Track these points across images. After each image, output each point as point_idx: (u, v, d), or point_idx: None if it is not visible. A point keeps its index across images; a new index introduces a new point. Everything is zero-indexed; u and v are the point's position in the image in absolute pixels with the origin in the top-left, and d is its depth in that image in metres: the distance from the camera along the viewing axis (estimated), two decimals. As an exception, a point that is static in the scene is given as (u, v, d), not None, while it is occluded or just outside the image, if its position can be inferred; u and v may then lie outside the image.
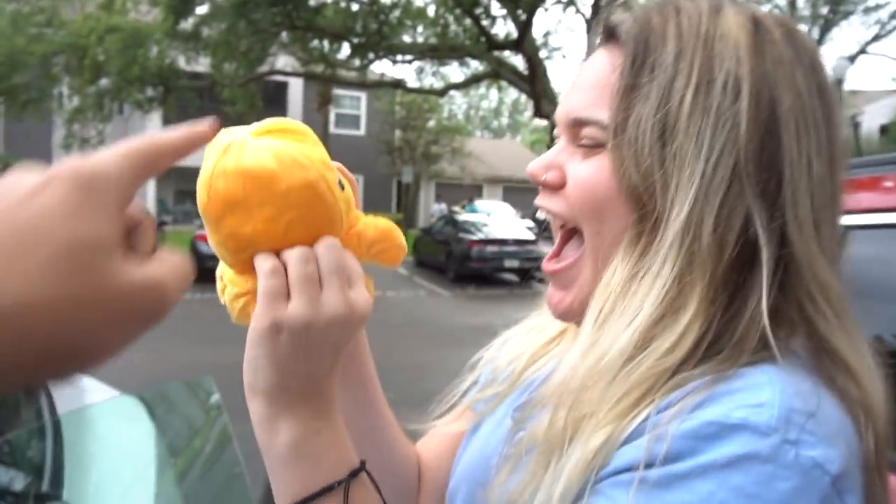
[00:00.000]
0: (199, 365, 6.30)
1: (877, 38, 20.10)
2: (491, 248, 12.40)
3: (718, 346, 0.46)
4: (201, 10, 13.26)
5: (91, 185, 0.31)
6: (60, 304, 0.28)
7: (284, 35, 14.28)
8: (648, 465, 0.41)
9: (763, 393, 0.41)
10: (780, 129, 0.47)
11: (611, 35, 0.55)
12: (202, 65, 14.34)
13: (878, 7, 19.71)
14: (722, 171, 0.47)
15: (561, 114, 0.57)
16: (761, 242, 0.46)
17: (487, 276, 12.58)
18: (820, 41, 19.64)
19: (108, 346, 0.32)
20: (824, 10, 19.32)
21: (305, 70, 16.46)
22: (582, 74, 0.57)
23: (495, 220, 14.95)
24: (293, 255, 0.47)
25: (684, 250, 0.46)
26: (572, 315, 0.57)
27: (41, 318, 0.28)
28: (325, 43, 15.07)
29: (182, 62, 14.03)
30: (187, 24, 13.15)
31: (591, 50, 0.59)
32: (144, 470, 1.28)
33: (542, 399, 0.50)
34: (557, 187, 0.56)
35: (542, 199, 0.58)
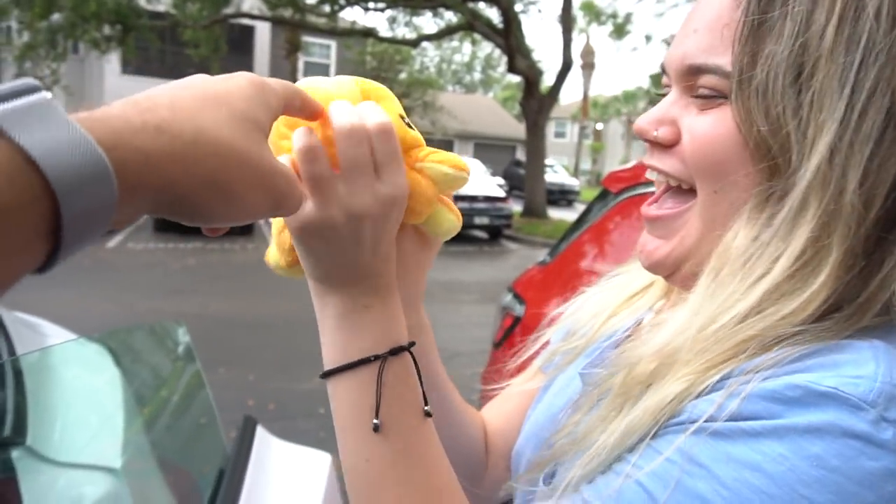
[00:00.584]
0: (164, 315, 6.19)
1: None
2: (461, 205, 12.13)
3: (837, 310, 0.41)
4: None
5: (262, 88, 0.41)
6: (225, 148, 0.36)
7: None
8: (714, 420, 0.38)
9: (866, 366, 0.37)
10: None
11: None
12: (164, 4, 13.65)
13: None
14: (872, 116, 0.40)
15: (673, 60, 0.50)
16: None
17: (467, 234, 12.57)
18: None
19: (237, 207, 0.38)
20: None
21: (273, 14, 15.82)
22: (697, 12, 0.49)
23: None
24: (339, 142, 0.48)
25: (821, 210, 0.41)
26: (665, 267, 0.54)
27: (207, 154, 0.35)
28: (294, -14, 14.48)
29: (142, 0, 13.32)
30: (147, -41, 12.45)
31: None
32: (111, 416, 1.23)
33: (618, 359, 0.48)
34: (671, 144, 0.51)
35: (651, 159, 0.53)
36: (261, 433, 1.24)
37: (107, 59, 15.76)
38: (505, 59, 14.15)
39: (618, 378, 0.46)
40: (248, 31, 22.62)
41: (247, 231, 12.25)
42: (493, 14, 14.29)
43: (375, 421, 0.47)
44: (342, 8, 14.53)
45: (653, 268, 0.55)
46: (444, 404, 0.65)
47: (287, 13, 15.51)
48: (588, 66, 32.73)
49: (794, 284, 0.41)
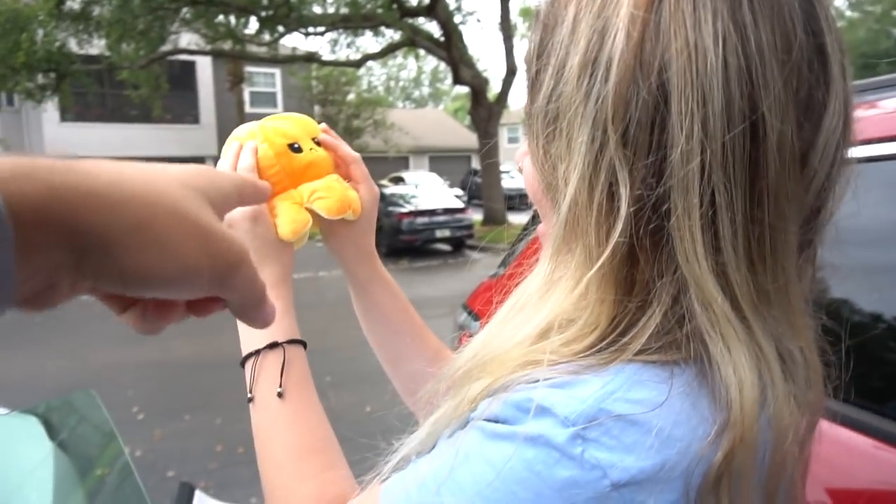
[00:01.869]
0: (123, 367, 5.98)
1: None
2: (421, 220, 12.32)
3: (625, 339, 0.43)
4: (89, -13, 12.29)
5: (210, 170, 0.42)
6: (153, 193, 0.32)
7: (186, 11, 13.46)
8: (478, 418, 0.44)
9: (588, 389, 0.40)
10: (669, 99, 0.39)
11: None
12: (97, 47, 13.35)
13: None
14: (594, 154, 0.42)
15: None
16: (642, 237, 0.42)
17: (420, 248, 12.52)
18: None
19: (172, 257, 0.32)
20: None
21: (212, 48, 15.62)
22: None
23: (423, 190, 14.86)
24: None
25: (577, 252, 0.44)
26: None
27: (132, 195, 0.31)
28: (231, 18, 14.32)
29: (74, 45, 12.98)
30: (75, 4, 12.15)
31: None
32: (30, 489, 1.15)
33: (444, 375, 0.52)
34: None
35: None
36: (199, 500, 1.16)
37: (43, 108, 15.32)
38: (450, 71, 14.25)
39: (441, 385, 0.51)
40: (189, 67, 22.29)
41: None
42: (434, 28, 14.40)
43: (250, 395, 0.68)
44: (282, 35, 14.44)
45: None
46: (398, 338, 0.86)
47: (227, 45, 15.34)
48: (533, 71, 33.07)
49: (574, 315, 0.44)
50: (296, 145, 0.72)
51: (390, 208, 12.65)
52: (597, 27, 0.41)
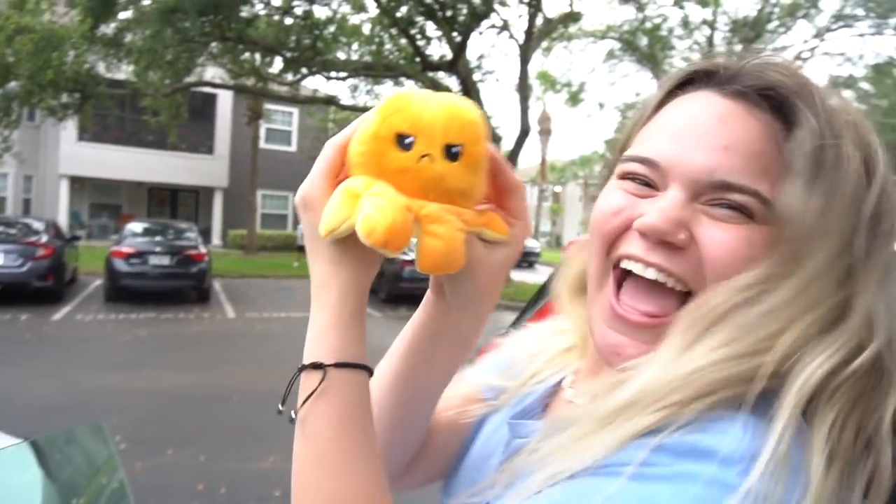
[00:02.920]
0: (110, 392, 5.85)
1: (784, 76, 21.60)
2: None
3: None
4: (124, 14, 12.65)
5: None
6: None
7: (214, 46, 13.82)
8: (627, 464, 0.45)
9: (736, 431, 0.44)
10: None
11: (753, 94, 0.53)
12: (124, 72, 13.66)
13: (784, 48, 21.22)
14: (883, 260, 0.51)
15: (691, 166, 0.52)
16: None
17: (420, 296, 12.38)
18: (734, 77, 20.90)
19: None
20: (738, 48, 20.58)
21: (235, 83, 15.98)
22: (723, 130, 0.52)
23: (428, 239, 14.85)
24: None
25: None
26: (624, 364, 0.54)
27: None
28: (257, 56, 14.69)
29: (102, 68, 13.29)
30: (108, 29, 12.49)
31: (651, 95, 0.60)
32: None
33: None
34: (682, 247, 0.52)
35: (656, 256, 0.53)
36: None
37: (63, 126, 15.56)
38: (465, 125, 14.46)
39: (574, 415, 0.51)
40: (210, 99, 22.77)
41: (203, 299, 11.94)
42: (453, 83, 14.75)
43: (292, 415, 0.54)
44: (304, 77, 14.78)
45: (618, 363, 0.54)
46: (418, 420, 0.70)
47: (249, 82, 15.69)
48: (545, 132, 33.83)
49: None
50: (407, 140, 0.53)
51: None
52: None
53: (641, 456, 0.44)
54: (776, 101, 0.52)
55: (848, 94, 22.78)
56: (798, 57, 21.22)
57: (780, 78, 0.53)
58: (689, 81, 0.58)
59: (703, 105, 0.54)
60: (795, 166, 0.50)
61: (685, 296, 0.53)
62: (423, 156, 0.53)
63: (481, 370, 0.78)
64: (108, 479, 1.28)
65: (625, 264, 0.55)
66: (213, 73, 16.01)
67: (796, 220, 0.49)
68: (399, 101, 0.55)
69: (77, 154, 20.99)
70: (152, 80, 13.48)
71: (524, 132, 14.82)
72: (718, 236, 0.51)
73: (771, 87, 0.52)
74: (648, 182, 0.55)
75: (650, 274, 0.54)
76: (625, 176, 0.57)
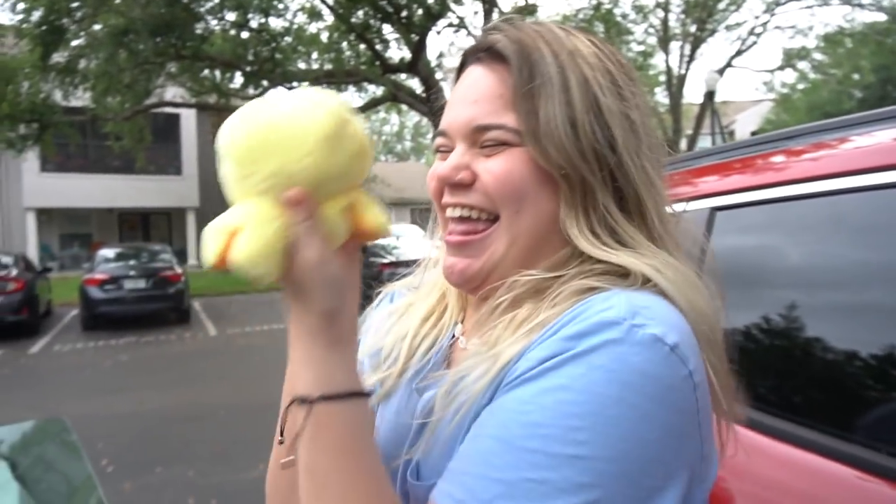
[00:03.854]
0: (95, 419, 5.81)
1: (739, 52, 22.03)
2: (402, 270, 12.29)
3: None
4: (76, 41, 12.47)
5: None
6: None
7: (171, 65, 13.70)
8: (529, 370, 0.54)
9: (611, 301, 0.55)
10: (611, 115, 0.64)
11: (490, 55, 0.66)
12: (81, 98, 13.48)
13: (737, 25, 21.65)
14: (609, 144, 0.63)
15: (459, 123, 0.66)
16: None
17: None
18: (692, 56, 21.27)
19: None
20: (693, 28, 20.95)
21: (197, 101, 15.84)
22: (471, 88, 0.67)
23: (404, 241, 14.92)
24: None
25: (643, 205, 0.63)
26: (474, 281, 0.67)
27: None
28: (217, 72, 14.59)
29: (58, 96, 13.10)
30: (61, 57, 12.31)
31: (457, 70, 0.71)
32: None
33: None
34: (470, 184, 0.66)
35: (455, 197, 0.67)
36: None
37: (24, 157, 15.30)
38: (432, 126, 14.55)
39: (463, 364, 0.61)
40: (174, 119, 22.53)
41: (183, 319, 11.85)
42: (416, 84, 14.80)
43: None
44: (266, 90, 14.68)
45: (465, 283, 0.68)
46: None
47: (211, 99, 15.57)
48: (513, 126, 33.86)
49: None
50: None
51: (371, 259, 12.68)
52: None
53: (542, 353, 0.54)
54: (504, 55, 0.64)
55: (803, 65, 23.24)
56: (751, 32, 21.65)
57: (497, 37, 0.66)
58: (464, 64, 0.70)
59: (467, 76, 0.68)
60: (512, 99, 0.63)
61: (494, 220, 0.66)
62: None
63: None
64: (76, 473, 1.33)
65: (448, 213, 0.69)
66: (173, 92, 15.86)
67: (535, 133, 0.62)
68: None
69: (41, 185, 20.64)
70: (111, 104, 13.33)
71: (490, 127, 14.90)
72: (487, 166, 0.64)
73: (489, 45, 0.66)
74: (448, 149, 0.69)
75: (456, 213, 0.68)
76: (437, 149, 0.71)
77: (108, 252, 12.29)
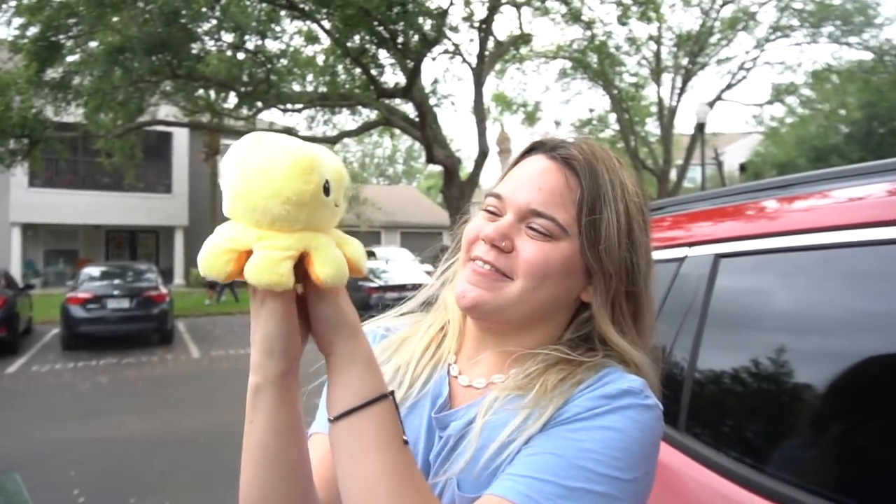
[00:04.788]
0: (71, 443, 5.64)
1: (730, 86, 22.39)
2: (391, 295, 12.26)
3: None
4: (72, 57, 12.44)
5: None
6: None
7: (166, 84, 13.69)
8: (574, 416, 0.72)
9: (629, 377, 0.76)
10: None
11: (562, 160, 0.81)
12: (73, 115, 13.40)
13: (728, 59, 22.04)
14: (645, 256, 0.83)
15: (520, 201, 0.80)
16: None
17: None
18: (683, 89, 21.58)
19: None
20: (684, 62, 21.29)
21: (190, 120, 15.83)
22: (540, 178, 0.80)
23: (393, 265, 14.86)
24: None
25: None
26: (478, 312, 0.80)
27: None
28: (211, 92, 14.60)
29: (50, 112, 13.02)
30: (55, 73, 12.26)
31: (515, 156, 0.87)
32: None
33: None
34: (507, 252, 0.79)
35: (489, 255, 0.80)
36: None
37: (12, 172, 15.15)
38: (424, 150, 14.60)
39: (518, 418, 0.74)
40: (166, 137, 22.49)
41: (166, 340, 11.65)
42: (409, 109, 14.87)
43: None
44: (260, 111, 14.72)
45: (472, 309, 0.80)
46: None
47: (205, 118, 15.56)
48: (504, 152, 34.16)
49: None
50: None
51: (360, 282, 12.59)
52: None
53: (587, 404, 0.72)
54: (573, 165, 0.80)
55: (791, 100, 23.65)
56: (741, 67, 22.04)
57: (574, 152, 0.80)
58: (533, 150, 0.85)
59: (534, 163, 0.82)
60: (573, 202, 0.79)
61: (507, 277, 0.79)
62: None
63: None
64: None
65: (476, 263, 0.80)
66: (166, 111, 15.84)
67: (585, 233, 0.78)
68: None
69: (28, 200, 20.43)
70: (103, 121, 13.28)
71: (483, 154, 14.99)
72: (527, 245, 0.78)
73: (569, 157, 0.80)
74: (497, 212, 0.82)
75: (485, 268, 0.80)
76: (486, 208, 0.83)
77: (92, 270, 12.09)
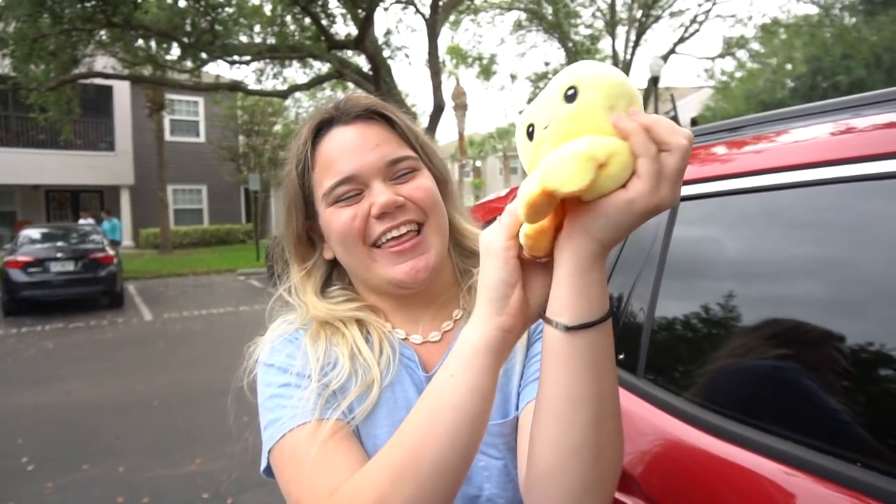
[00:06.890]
0: (17, 412, 5.44)
1: (682, 39, 22.52)
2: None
3: None
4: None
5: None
6: None
7: (102, 33, 12.89)
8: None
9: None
10: None
11: (360, 118, 0.89)
12: (1, 66, 12.53)
13: (681, 12, 22.09)
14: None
15: (373, 165, 0.85)
16: None
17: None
18: (637, 42, 21.61)
19: None
20: (639, 14, 21.24)
21: (130, 72, 15.00)
22: (367, 138, 0.86)
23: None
24: None
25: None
26: (433, 271, 0.85)
27: None
28: (152, 43, 13.83)
29: (-26, 64, 12.14)
30: (-23, 21, 11.37)
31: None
32: None
33: None
34: (402, 206, 0.84)
35: (396, 219, 0.84)
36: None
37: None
38: (378, 104, 14.22)
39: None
40: (106, 91, 21.33)
41: (116, 303, 11.30)
42: (362, 61, 14.44)
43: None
44: (204, 63, 14.04)
45: (430, 275, 0.85)
46: None
47: (146, 71, 14.78)
48: (460, 107, 33.74)
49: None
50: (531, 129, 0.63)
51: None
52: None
53: None
54: (372, 116, 0.88)
55: (741, 54, 23.97)
56: (694, 20, 22.13)
57: (361, 106, 0.89)
58: (321, 130, 0.89)
59: (343, 134, 0.87)
60: (408, 137, 0.90)
61: (418, 230, 0.86)
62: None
63: (308, 411, 0.79)
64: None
65: (387, 236, 0.84)
66: (104, 62, 14.94)
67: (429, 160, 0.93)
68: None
69: (-41, 160, 19.24)
70: (35, 73, 12.46)
71: (438, 108, 14.74)
72: (408, 188, 0.86)
73: (362, 112, 0.88)
74: (356, 192, 0.85)
75: (403, 229, 0.85)
76: (336, 200, 0.85)
77: (32, 233, 11.55)
